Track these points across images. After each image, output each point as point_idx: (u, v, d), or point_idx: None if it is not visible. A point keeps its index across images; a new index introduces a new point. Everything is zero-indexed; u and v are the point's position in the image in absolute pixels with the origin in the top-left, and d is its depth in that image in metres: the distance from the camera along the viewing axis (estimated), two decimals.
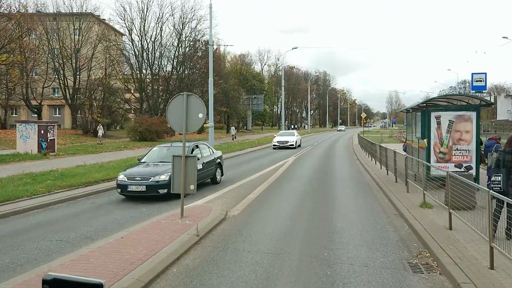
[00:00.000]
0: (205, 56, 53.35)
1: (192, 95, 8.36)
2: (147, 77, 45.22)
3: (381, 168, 16.88)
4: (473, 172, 11.28)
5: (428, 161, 11.39)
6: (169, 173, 10.17)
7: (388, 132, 73.67)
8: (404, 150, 16.57)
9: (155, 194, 10.68)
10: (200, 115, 8.23)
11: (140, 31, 43.93)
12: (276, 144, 30.42)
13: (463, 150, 11.41)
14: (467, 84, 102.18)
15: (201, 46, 51.39)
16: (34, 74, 47.86)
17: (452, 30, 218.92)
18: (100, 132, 30.90)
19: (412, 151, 13.86)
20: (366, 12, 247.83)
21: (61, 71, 46.04)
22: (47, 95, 48.84)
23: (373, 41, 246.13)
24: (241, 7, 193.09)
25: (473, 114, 11.34)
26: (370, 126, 66.69)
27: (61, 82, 46.24)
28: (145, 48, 44.13)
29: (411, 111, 14.07)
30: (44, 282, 1.44)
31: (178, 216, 8.23)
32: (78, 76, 47.78)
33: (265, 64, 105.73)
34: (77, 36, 47.58)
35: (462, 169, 11.41)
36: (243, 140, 42.20)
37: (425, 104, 11.77)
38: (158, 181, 10.72)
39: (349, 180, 14.81)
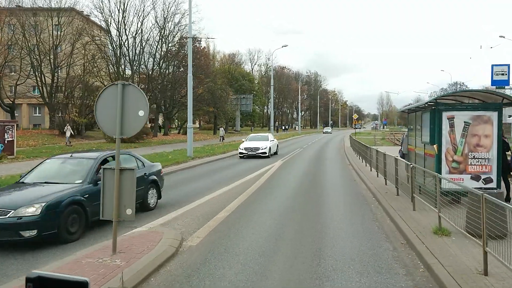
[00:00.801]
0: (193, 53, 51.17)
1: (130, 85, 6.13)
2: (126, 74, 42.61)
3: (377, 176, 14.80)
4: (493, 185, 9.28)
5: (439, 171, 9.31)
6: (45, 202, 6.79)
7: (380, 134, 71.98)
8: (402, 157, 14.63)
9: (16, 239, 6.64)
10: (141, 113, 6.01)
11: (118, 24, 41.36)
12: (243, 152, 24.00)
13: (481, 158, 9.34)
14: (459, 86, 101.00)
15: (187, 43, 49.04)
16: (9, 70, 45.16)
17: (446, 30, 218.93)
18: (68, 132, 28.28)
19: (416, 158, 11.78)
20: (359, 14, 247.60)
21: (38, 68, 43.29)
22: (24, 93, 46.05)
23: (365, 42, 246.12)
24: (233, 8, 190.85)
25: (494, 115, 9.28)
26: (360, 128, 64.05)
27: (38, 79, 43.53)
28: (124, 42, 41.57)
29: (415, 110, 11.98)
30: (28, 280, 1.42)
31: (111, 251, 5.99)
32: (56, 74, 45.22)
33: (255, 64, 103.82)
34: (56, 32, 44.99)
35: (480, 182, 9.36)
36: (229, 142, 39.98)
37: (434, 102, 9.67)
38: (21, 217, 6.56)
39: (341, 190, 12.68)
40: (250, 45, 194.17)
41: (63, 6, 45.60)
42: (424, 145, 10.59)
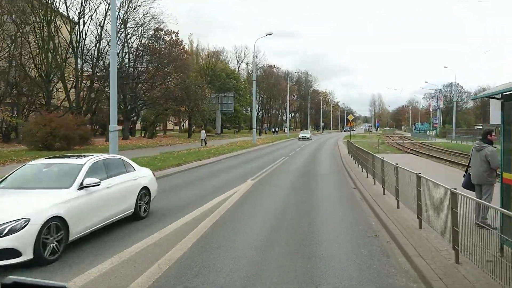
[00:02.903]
0: (166, 45, 43.82)
1: None
2: (65, 61, 34.73)
3: (421, 228, 7.69)
4: None
5: None
6: None
7: (375, 137, 65.20)
8: (466, 187, 7.95)
9: None
10: None
11: None
12: None
13: None
14: (454, 88, 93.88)
15: (162, 36, 41.82)
16: None
17: (449, 24, 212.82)
18: None
19: None
20: (354, 13, 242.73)
21: None
22: None
23: (360, 40, 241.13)
24: (225, 9, 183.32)
25: None
26: (350, 130, 56.50)
27: None
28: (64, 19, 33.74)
29: None
30: (4, 286, 1.34)
31: None
32: None
33: (242, 62, 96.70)
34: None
35: None
36: (206, 147, 32.79)
37: None
38: None
39: (356, 270, 5.47)
40: (238, 43, 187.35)
41: None
42: None
